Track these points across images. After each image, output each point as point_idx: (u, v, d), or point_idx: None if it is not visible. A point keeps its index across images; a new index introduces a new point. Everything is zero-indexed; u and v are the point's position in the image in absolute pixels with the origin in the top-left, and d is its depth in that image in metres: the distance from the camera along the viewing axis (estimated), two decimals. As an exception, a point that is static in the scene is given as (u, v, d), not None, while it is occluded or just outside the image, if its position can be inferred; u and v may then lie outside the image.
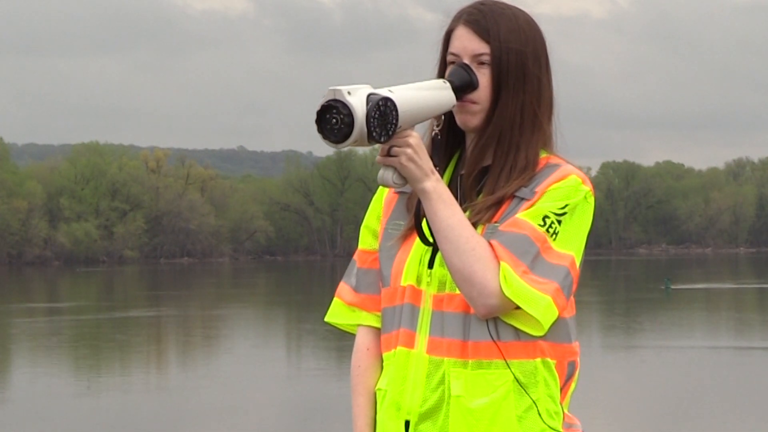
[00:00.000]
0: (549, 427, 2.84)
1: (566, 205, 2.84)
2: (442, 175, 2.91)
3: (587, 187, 2.88)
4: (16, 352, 27.12)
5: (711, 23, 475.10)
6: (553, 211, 2.82)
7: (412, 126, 2.77)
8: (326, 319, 3.12)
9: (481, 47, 2.87)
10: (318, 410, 16.89)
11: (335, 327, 3.13)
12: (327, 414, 16.41)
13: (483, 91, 2.87)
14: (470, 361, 2.81)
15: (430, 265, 2.88)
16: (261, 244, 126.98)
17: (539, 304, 2.76)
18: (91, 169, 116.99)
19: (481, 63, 2.87)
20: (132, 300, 49.57)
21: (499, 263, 2.76)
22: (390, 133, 2.70)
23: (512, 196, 2.85)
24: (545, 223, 2.81)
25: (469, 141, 2.95)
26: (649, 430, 14.96)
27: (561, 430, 2.87)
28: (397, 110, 2.70)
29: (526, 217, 2.81)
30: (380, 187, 3.01)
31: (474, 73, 2.87)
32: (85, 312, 39.67)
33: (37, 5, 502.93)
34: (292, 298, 48.74)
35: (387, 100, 2.68)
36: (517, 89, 2.88)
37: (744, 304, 42.01)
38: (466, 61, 2.88)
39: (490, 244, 2.77)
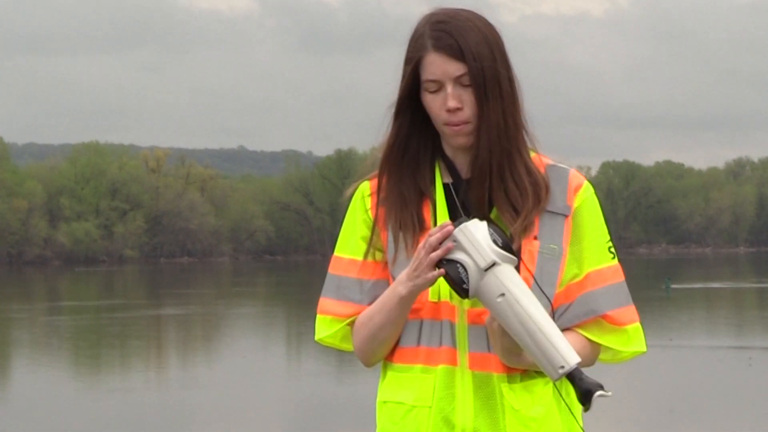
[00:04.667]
0: (580, 427, 2.95)
1: (602, 218, 2.95)
2: (432, 185, 2.93)
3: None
4: (16, 352, 27.12)
5: (711, 22, 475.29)
6: (605, 237, 2.95)
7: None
8: (318, 338, 3.00)
9: (460, 68, 2.85)
10: (318, 410, 16.89)
11: (328, 345, 3.01)
12: (327, 414, 16.41)
13: (471, 110, 2.87)
14: (522, 374, 2.88)
15: None
16: (261, 243, 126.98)
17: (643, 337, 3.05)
18: (91, 169, 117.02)
19: (462, 84, 2.87)
20: (132, 299, 49.56)
21: (592, 343, 2.98)
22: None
23: (540, 210, 2.88)
24: (613, 254, 2.96)
25: (451, 150, 2.96)
26: (649, 430, 14.96)
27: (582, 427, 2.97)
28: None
29: (602, 261, 2.93)
30: (356, 194, 3.04)
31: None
32: (85, 312, 39.67)
33: (37, 5, 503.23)
34: (292, 298, 48.73)
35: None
36: (496, 96, 2.87)
37: (744, 304, 42.00)
38: (449, 85, 2.87)
39: (607, 316, 2.96)
